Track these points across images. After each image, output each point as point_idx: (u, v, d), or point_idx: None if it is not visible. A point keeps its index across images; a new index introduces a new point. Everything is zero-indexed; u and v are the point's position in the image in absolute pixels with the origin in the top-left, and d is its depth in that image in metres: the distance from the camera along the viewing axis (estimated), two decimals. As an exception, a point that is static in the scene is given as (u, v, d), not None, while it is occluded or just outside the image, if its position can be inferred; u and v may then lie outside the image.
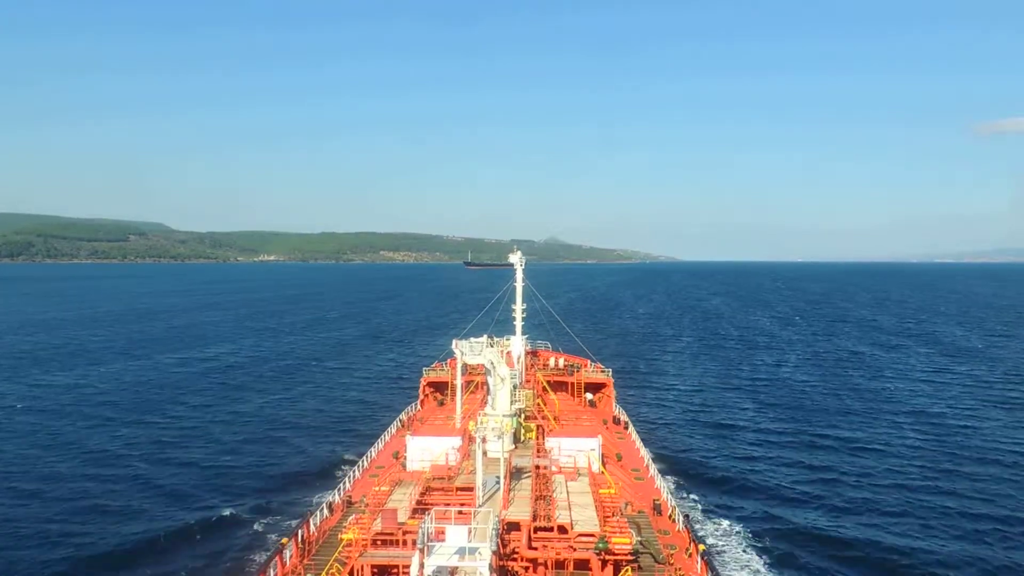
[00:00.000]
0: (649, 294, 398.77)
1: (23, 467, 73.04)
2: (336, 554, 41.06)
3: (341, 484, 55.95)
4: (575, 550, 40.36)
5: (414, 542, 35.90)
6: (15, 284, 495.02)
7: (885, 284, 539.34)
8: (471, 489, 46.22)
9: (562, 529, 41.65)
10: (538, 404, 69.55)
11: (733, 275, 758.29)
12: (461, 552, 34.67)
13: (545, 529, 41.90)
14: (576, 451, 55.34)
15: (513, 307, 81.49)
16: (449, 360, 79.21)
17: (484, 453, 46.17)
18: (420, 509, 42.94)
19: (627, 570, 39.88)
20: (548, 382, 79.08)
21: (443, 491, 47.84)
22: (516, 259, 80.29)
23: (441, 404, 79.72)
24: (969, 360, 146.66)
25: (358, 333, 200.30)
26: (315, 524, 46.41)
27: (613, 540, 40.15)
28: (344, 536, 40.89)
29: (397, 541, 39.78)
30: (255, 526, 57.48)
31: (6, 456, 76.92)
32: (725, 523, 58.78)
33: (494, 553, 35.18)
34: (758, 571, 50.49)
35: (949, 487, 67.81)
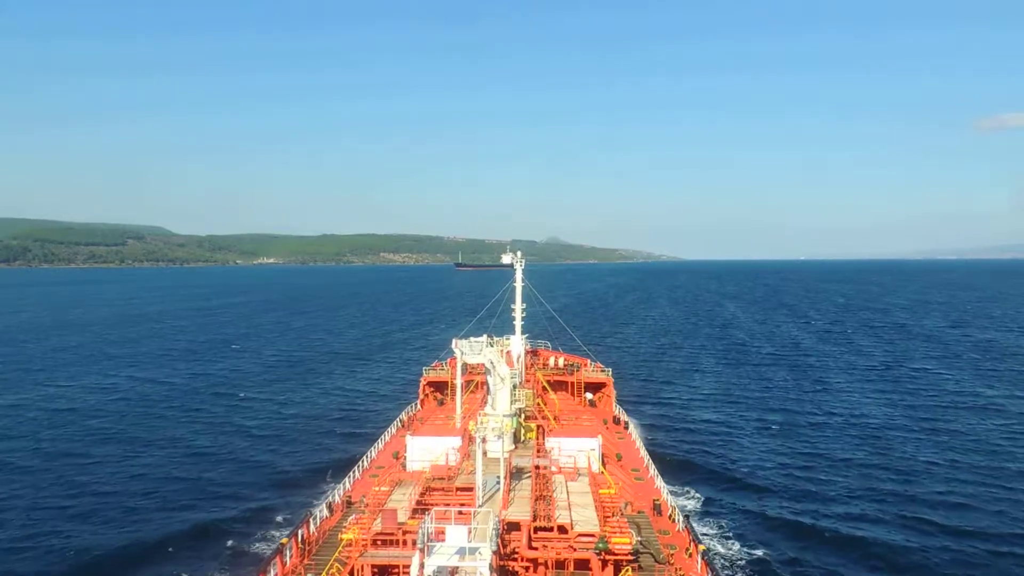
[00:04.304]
0: (653, 298, 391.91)
1: (23, 469, 73.00)
2: (336, 554, 41.07)
3: (341, 484, 55.90)
4: (575, 550, 40.38)
5: (414, 542, 35.91)
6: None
7: (923, 286, 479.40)
8: (471, 489, 46.22)
9: (562, 529, 41.63)
10: (538, 404, 69.51)
11: (741, 276, 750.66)
12: (461, 552, 34.66)
13: (545, 529, 41.89)
14: (576, 451, 55.38)
15: (513, 307, 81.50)
16: (449, 360, 79.24)
17: (484, 453, 46.19)
18: (420, 509, 42.96)
19: (627, 570, 39.87)
20: (548, 382, 79.07)
21: (443, 491, 47.82)
22: (511, 259, 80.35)
23: (441, 404, 79.73)
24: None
25: (357, 336, 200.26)
26: (315, 524, 46.41)
27: (613, 540, 40.15)
28: (344, 536, 40.93)
29: (397, 541, 39.78)
30: (255, 526, 57.41)
31: (7, 458, 76.91)
32: (725, 523, 58.66)
33: (494, 553, 35.18)
34: (759, 571, 50.39)
35: (956, 488, 67.40)
